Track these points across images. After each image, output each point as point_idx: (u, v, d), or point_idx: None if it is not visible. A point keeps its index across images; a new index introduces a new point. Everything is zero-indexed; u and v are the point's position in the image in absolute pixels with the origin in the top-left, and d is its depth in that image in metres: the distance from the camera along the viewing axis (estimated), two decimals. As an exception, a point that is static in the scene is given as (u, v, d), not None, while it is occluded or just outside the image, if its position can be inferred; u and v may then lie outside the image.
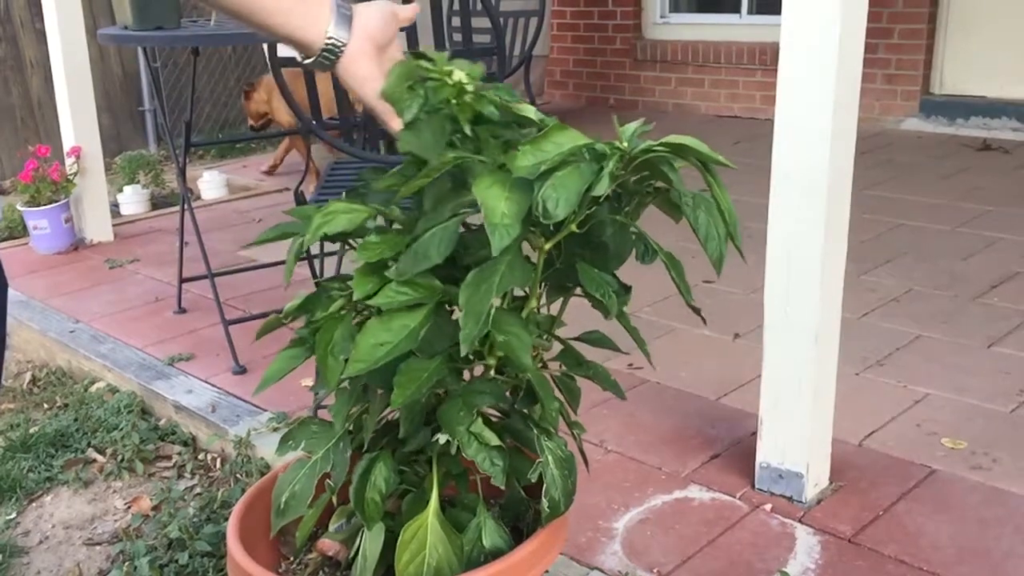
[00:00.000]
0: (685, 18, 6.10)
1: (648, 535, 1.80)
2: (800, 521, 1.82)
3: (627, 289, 1.19)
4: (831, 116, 1.66)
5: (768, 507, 1.86)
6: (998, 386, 2.29)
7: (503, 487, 1.16)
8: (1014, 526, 1.77)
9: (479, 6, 2.30)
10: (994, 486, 1.89)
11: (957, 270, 3.08)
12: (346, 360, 1.11)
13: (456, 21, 2.93)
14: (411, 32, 2.17)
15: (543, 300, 1.22)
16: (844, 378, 1.96)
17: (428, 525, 1.17)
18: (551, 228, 1.11)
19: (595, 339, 1.29)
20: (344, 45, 1.08)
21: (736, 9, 5.83)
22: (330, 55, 1.09)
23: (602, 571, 1.71)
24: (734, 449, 2.07)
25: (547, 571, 1.29)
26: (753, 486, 1.92)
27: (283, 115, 4.62)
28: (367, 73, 1.10)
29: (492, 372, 1.21)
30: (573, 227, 1.11)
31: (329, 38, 1.08)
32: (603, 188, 1.04)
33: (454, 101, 1.12)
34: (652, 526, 1.83)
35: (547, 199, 1.01)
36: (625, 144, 1.07)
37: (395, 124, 1.11)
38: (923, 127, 5.16)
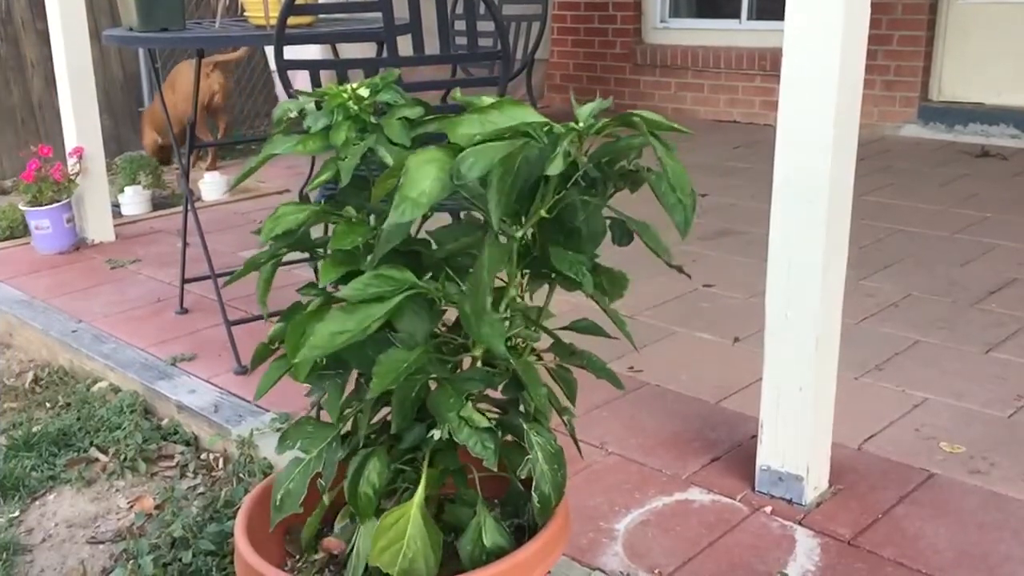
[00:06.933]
0: (685, 23, 6.12)
1: (649, 537, 1.81)
2: (800, 523, 1.83)
3: (617, 280, 1.19)
4: (833, 122, 1.68)
5: (768, 509, 1.88)
6: (996, 391, 2.31)
7: (495, 469, 1.17)
8: (1011, 530, 1.78)
9: (483, 10, 2.32)
10: (992, 490, 1.91)
11: (955, 276, 3.10)
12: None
13: (460, 25, 2.95)
14: (416, 37, 2.19)
15: (524, 289, 1.22)
16: (843, 382, 1.98)
17: (410, 517, 1.18)
18: (522, 217, 1.12)
19: (583, 327, 1.30)
20: None
21: (736, 15, 5.85)
22: None
23: (604, 572, 1.72)
24: (734, 452, 2.08)
25: (550, 571, 1.30)
26: (753, 489, 1.94)
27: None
28: None
29: (480, 363, 1.22)
30: (543, 212, 1.11)
31: None
32: (557, 167, 1.04)
33: (353, 106, 1.23)
34: (653, 528, 1.84)
35: (462, 161, 1.01)
36: (580, 124, 1.07)
37: None
38: (921, 133, 5.18)
